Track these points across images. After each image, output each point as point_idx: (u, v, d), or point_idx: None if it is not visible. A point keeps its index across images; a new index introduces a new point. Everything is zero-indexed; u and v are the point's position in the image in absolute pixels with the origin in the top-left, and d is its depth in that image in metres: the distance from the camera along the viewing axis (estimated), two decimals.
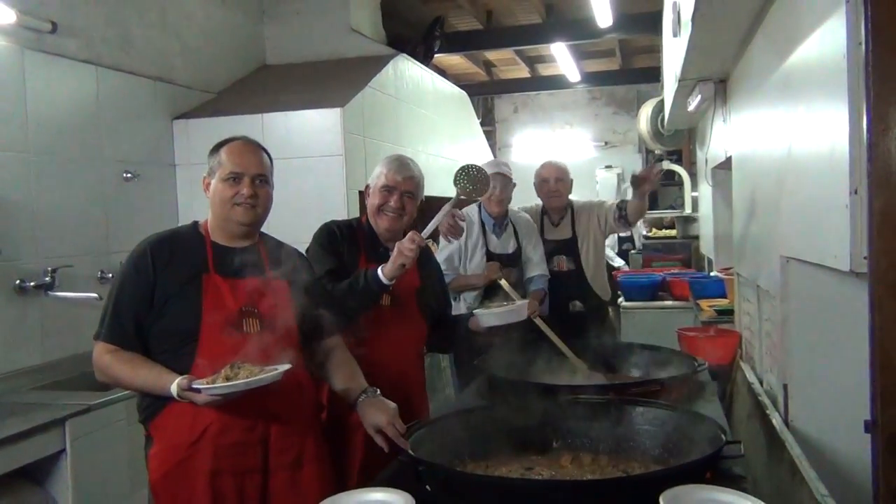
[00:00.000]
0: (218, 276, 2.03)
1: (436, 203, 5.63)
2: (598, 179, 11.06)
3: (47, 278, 3.23)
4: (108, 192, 3.69)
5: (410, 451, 1.84)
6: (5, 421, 2.47)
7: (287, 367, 1.90)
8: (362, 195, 4.25)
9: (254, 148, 2.15)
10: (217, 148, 2.14)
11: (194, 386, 1.83)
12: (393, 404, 2.08)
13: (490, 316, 2.68)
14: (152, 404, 1.99)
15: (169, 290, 1.99)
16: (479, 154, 6.97)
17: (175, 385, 1.85)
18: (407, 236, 2.34)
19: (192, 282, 2.01)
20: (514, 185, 3.76)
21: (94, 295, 3.25)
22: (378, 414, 2.04)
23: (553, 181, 3.89)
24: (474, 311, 2.68)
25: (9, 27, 3.14)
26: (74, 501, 2.60)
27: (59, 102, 3.43)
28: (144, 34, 4.02)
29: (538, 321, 3.22)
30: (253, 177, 2.08)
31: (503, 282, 3.44)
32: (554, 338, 3.05)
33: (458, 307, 3.67)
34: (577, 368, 2.91)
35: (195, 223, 2.18)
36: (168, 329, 1.99)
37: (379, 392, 2.15)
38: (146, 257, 2.01)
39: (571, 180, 3.98)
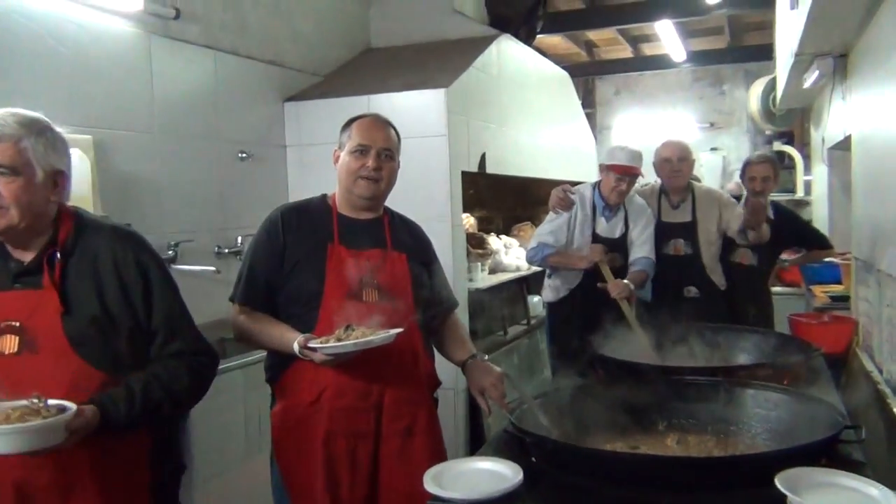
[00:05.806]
0: (342, 246, 2.14)
1: (535, 185, 5.63)
2: (703, 162, 10.68)
3: (170, 252, 3.41)
4: (224, 170, 3.86)
5: (511, 419, 1.86)
6: None
7: (398, 330, 1.98)
8: (464, 175, 4.30)
9: (382, 124, 2.24)
10: (349, 123, 2.24)
11: (310, 345, 1.94)
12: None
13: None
14: (277, 364, 2.13)
15: (297, 256, 2.12)
16: (580, 137, 6.88)
17: (296, 343, 1.97)
18: None
19: (318, 250, 2.12)
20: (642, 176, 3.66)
21: (213, 268, 3.43)
22: (484, 376, 2.13)
23: (676, 161, 3.74)
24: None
25: (137, 14, 3.33)
26: (198, 461, 2.75)
27: (181, 85, 3.61)
28: (259, 19, 4.16)
29: (623, 304, 3.17)
30: (379, 150, 2.17)
31: (604, 266, 3.41)
32: (633, 322, 3.01)
33: (554, 284, 3.66)
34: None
35: (324, 195, 2.30)
36: (294, 293, 2.12)
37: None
38: (277, 224, 2.15)
39: (693, 160, 3.82)
